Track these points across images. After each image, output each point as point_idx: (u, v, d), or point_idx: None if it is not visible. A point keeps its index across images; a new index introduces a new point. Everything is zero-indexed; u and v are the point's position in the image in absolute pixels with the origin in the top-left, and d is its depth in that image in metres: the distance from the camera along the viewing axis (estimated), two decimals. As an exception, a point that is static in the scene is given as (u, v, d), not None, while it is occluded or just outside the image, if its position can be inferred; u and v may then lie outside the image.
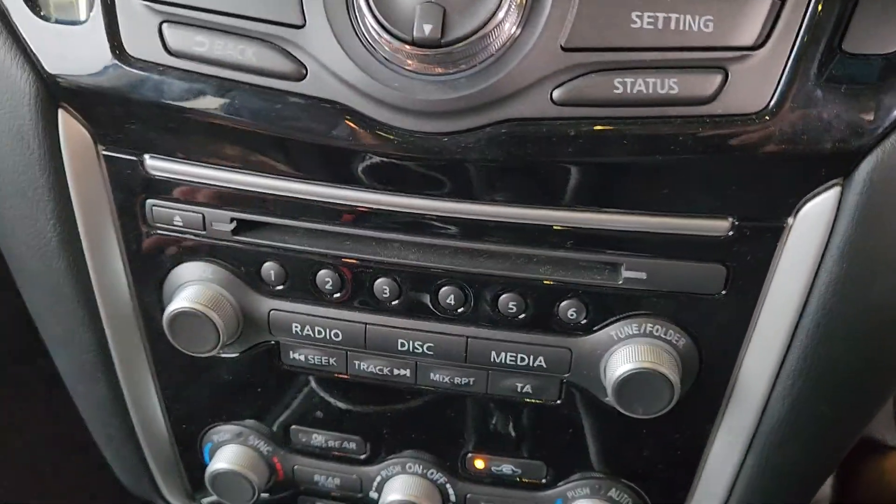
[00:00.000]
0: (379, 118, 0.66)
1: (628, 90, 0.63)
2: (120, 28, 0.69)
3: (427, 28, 0.62)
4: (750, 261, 0.69)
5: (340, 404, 0.85)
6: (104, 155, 0.75)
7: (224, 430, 0.89)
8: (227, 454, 0.88)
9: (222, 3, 0.65)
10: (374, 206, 0.71)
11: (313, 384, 0.84)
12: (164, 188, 0.75)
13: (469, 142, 0.65)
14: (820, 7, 0.61)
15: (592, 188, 0.67)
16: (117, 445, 0.92)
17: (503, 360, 0.76)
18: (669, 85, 0.62)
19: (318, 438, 0.87)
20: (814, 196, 0.66)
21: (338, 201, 0.71)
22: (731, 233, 0.67)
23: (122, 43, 0.69)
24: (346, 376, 0.81)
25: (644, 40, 0.61)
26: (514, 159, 0.65)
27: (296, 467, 0.90)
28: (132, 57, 0.69)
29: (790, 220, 0.67)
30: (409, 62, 0.64)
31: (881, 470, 1.33)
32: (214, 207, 0.75)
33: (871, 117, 0.62)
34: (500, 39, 0.62)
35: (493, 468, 0.85)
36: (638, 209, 0.68)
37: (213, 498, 0.93)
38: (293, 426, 0.88)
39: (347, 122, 0.66)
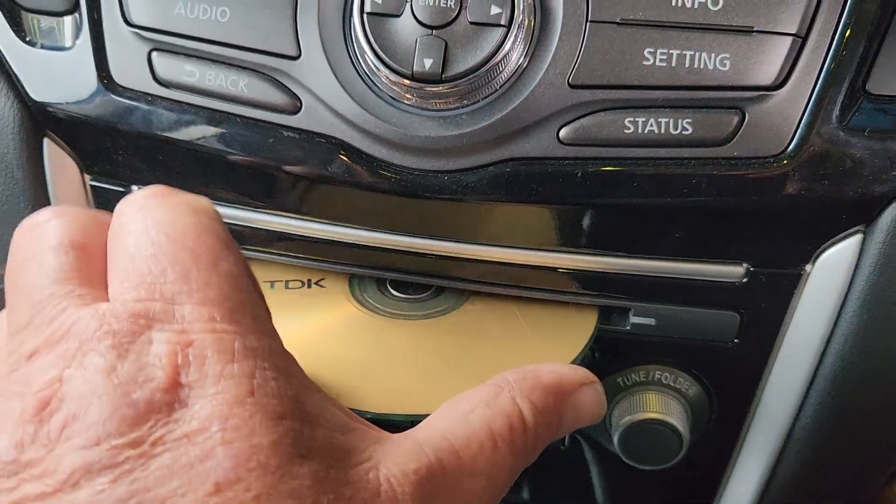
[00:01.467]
0: (376, 155, 0.63)
1: (639, 130, 0.59)
2: (108, 55, 0.66)
3: (427, 63, 0.59)
4: (765, 308, 0.65)
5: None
6: (91, 185, 0.72)
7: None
8: None
9: (214, 32, 0.63)
10: (369, 244, 0.68)
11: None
12: (152, 221, 0.72)
13: (471, 181, 0.62)
14: (843, 46, 0.57)
15: (600, 231, 0.64)
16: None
17: (504, 406, 0.73)
18: (683, 126, 0.59)
19: None
20: (834, 243, 0.62)
21: (334, 238, 0.68)
22: (745, 279, 0.64)
23: (109, 71, 0.66)
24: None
25: (657, 78, 0.58)
26: (518, 200, 0.62)
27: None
28: (120, 85, 0.66)
29: (808, 267, 0.63)
30: (409, 97, 0.61)
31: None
32: (204, 242, 0.72)
33: (895, 163, 0.59)
34: (504, 75, 0.59)
35: (494, 514, 0.82)
36: (648, 253, 0.64)
37: None
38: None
39: (343, 157, 0.63)
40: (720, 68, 0.58)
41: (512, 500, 0.81)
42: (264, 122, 0.64)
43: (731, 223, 0.62)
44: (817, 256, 0.63)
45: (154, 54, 0.65)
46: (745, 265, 0.64)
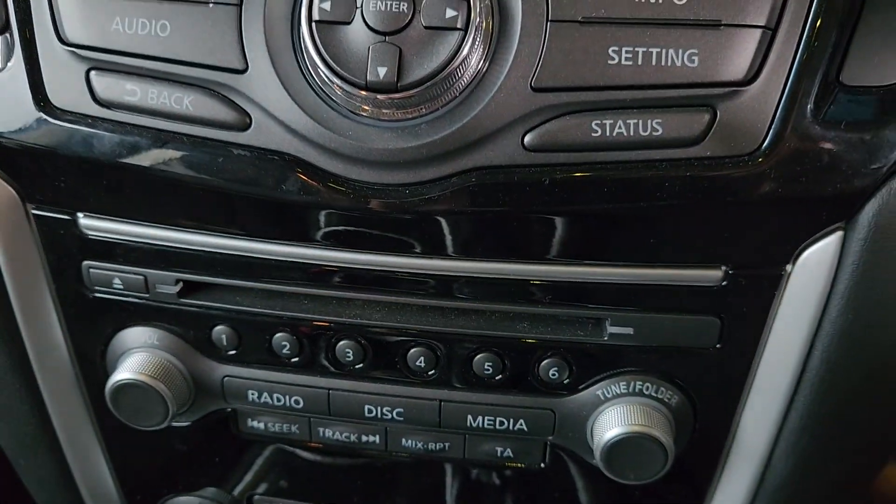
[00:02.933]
0: (332, 170, 0.59)
1: (607, 133, 0.57)
2: (43, 76, 0.62)
3: (382, 71, 0.56)
4: (746, 312, 0.63)
5: (306, 472, 0.78)
6: (34, 214, 0.68)
7: (181, 502, 0.82)
8: (185, 529, 0.81)
9: (155, 48, 0.59)
10: (332, 264, 0.64)
11: (276, 451, 0.77)
12: (101, 249, 0.68)
13: (433, 193, 0.59)
14: (815, 36, 0.55)
15: (571, 240, 0.61)
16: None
17: (480, 424, 0.70)
18: (652, 126, 0.56)
19: (284, 510, 0.81)
20: (814, 241, 0.60)
21: (292, 259, 0.65)
22: (724, 283, 0.61)
23: (46, 93, 0.62)
24: (310, 444, 0.75)
25: (623, 78, 0.55)
26: (484, 211, 0.59)
27: (261, 541, 0.83)
28: (58, 108, 0.62)
29: (789, 267, 0.61)
30: (364, 108, 0.57)
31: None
32: (157, 269, 0.68)
33: (874, 156, 0.56)
34: (464, 81, 0.56)
35: (474, 539, 0.79)
36: (622, 260, 0.62)
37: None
38: (256, 497, 0.81)
39: (298, 174, 0.60)
40: (688, 65, 0.55)
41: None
42: (212, 140, 0.60)
43: (706, 225, 0.60)
44: (797, 256, 0.60)
45: (93, 73, 0.61)
46: (723, 268, 0.61)
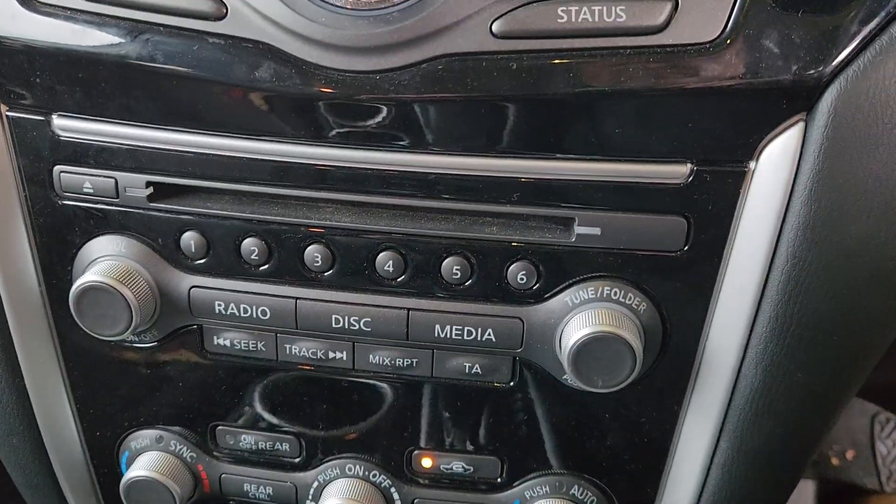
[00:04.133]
0: (306, 57, 0.60)
1: (572, 19, 0.58)
2: (26, -31, 0.64)
3: (355, -46, 0.57)
4: (712, 211, 0.63)
5: (271, 399, 0.77)
6: (8, 116, 0.69)
7: (143, 436, 0.80)
8: (145, 461, 0.78)
9: (134, -62, 0.61)
10: (301, 160, 0.65)
11: (241, 376, 0.76)
12: (73, 151, 0.68)
13: (403, 79, 0.60)
14: (770, -73, 0.57)
15: (538, 130, 0.62)
16: (22, 459, 0.82)
17: (448, 335, 0.69)
18: (616, 13, 0.58)
19: (248, 440, 0.78)
20: (776, 136, 0.61)
21: (262, 157, 0.65)
22: (690, 178, 0.62)
23: (28, -13, 0.64)
24: (276, 365, 0.74)
25: (588, -34, 0.57)
26: (452, 98, 0.60)
27: (223, 476, 0.80)
28: (39, 1, 0.64)
29: (752, 163, 0.62)
30: (338, -6, 0.59)
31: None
32: (128, 171, 0.68)
33: (831, 43, 0.58)
34: (435, -34, 0.58)
35: (442, 467, 0.77)
36: (589, 154, 0.62)
37: (132, 519, 0.82)
38: (219, 427, 0.79)
39: (270, 61, 0.61)
40: (651, -45, 0.57)
41: (458, 454, 0.76)
42: (189, 29, 0.62)
43: (670, 115, 0.61)
44: (761, 151, 0.61)
45: (75, -33, 0.62)
46: (688, 164, 0.62)
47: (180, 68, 0.63)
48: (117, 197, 0.69)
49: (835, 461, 1.59)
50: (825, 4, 0.59)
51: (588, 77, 0.59)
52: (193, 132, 0.66)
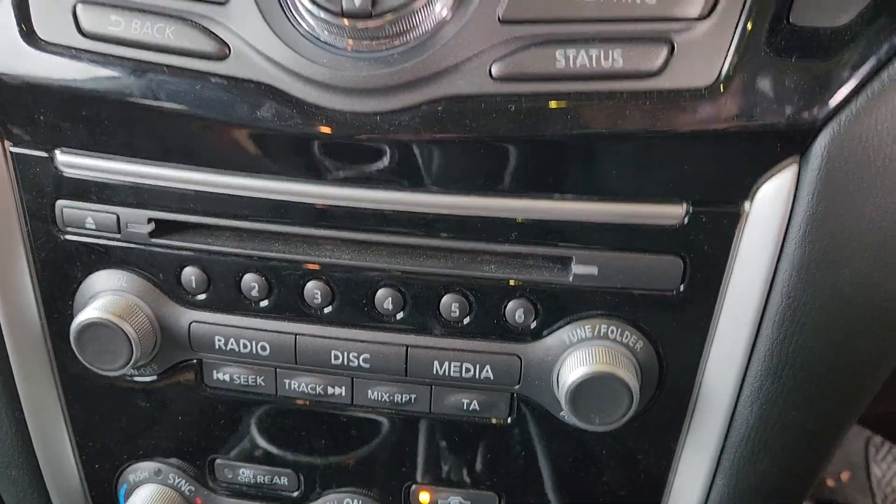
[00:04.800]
0: (307, 98, 0.61)
1: (570, 64, 0.59)
2: (30, 9, 0.64)
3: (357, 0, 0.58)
4: (708, 251, 0.64)
5: (270, 433, 0.77)
6: (11, 152, 0.69)
7: (141, 469, 0.80)
8: (143, 494, 0.78)
9: (139, -20, 0.62)
10: (303, 199, 0.66)
11: (240, 410, 0.76)
12: (75, 187, 0.69)
13: (403, 120, 0.61)
14: (764, -23, 0.58)
15: (536, 170, 0.63)
16: (20, 491, 0.82)
17: (447, 372, 0.69)
18: (614, 58, 0.59)
19: (246, 473, 0.79)
20: (770, 177, 0.62)
21: (263, 195, 0.66)
22: (686, 219, 0.63)
23: (32, 25, 0.64)
24: (275, 400, 0.74)
25: (586, 11, 0.58)
26: (452, 139, 0.61)
27: (221, 509, 0.80)
28: (43, 40, 0.65)
29: (747, 204, 0.63)
30: (339, 37, 0.60)
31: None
32: (130, 207, 0.69)
33: (824, 88, 0.59)
34: (435, 10, 0.59)
35: (440, 502, 0.77)
36: (587, 195, 0.63)
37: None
38: (218, 460, 0.79)
39: (273, 102, 0.62)
40: (648, 1, 0.58)
41: (457, 489, 0.77)
42: (192, 70, 0.63)
43: (666, 156, 0.61)
44: (755, 192, 0.62)
45: (79, 6, 0.63)
46: (684, 205, 0.63)
47: (183, 107, 0.63)
48: (119, 232, 0.70)
49: (830, 482, 1.59)
50: (818, 51, 0.60)
51: (585, 119, 0.60)
52: (195, 170, 0.66)
